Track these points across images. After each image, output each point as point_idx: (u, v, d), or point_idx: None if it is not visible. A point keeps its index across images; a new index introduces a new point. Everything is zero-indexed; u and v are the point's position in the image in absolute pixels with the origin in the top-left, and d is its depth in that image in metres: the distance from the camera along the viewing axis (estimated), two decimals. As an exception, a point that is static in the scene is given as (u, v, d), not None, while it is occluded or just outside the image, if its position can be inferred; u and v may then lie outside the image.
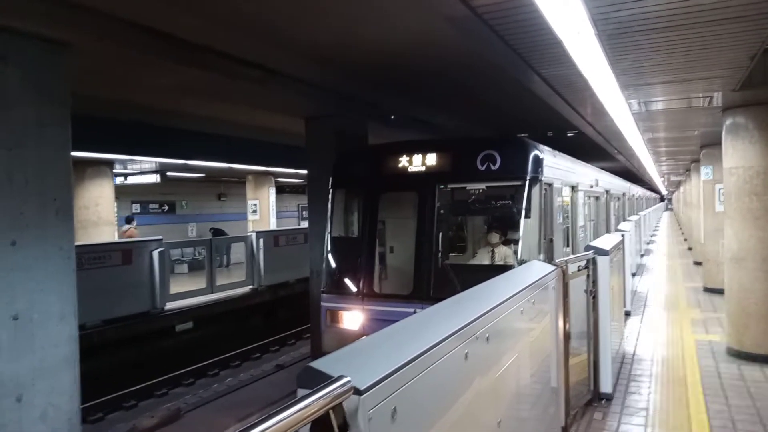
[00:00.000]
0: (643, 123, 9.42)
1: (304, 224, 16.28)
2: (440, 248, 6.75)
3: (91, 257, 10.43)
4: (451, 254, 7.86)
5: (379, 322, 6.21)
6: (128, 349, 11.08)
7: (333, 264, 7.49)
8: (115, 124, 11.34)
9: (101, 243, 12.53)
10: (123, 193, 19.80)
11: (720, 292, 9.09)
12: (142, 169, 17.21)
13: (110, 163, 15.14)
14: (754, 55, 4.86)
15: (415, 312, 2.97)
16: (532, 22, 3.75)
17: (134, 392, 9.88)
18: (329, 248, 7.53)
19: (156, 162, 15.69)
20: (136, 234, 16.22)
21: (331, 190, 7.65)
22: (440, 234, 6.80)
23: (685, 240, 24.79)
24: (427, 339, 2.15)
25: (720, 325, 8.54)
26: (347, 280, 7.22)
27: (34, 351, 4.65)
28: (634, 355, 7.19)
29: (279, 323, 14.52)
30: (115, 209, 16.59)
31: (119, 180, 17.35)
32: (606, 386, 5.59)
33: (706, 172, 12.05)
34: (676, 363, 6.81)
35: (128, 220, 16.98)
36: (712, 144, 11.61)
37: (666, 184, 40.07)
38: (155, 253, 11.74)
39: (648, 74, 5.63)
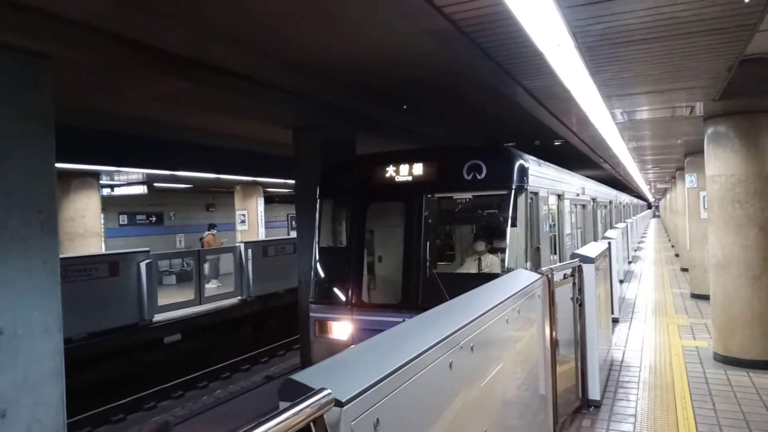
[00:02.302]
0: (627, 132, 9.54)
1: (294, 234, 16.29)
2: (428, 257, 6.77)
3: (77, 269, 10.34)
4: (439, 263, 7.89)
5: (368, 332, 6.21)
6: (116, 362, 10.97)
7: (321, 274, 7.49)
8: (101, 135, 11.30)
9: (87, 255, 12.44)
10: (110, 204, 19.69)
11: (707, 298, 9.17)
12: (129, 180, 17.13)
13: (96, 175, 15.06)
14: (731, 66, 4.95)
15: (403, 321, 2.98)
16: (513, 35, 3.81)
17: (122, 406, 9.78)
18: (317, 258, 7.53)
19: (143, 173, 15.63)
20: (213, 241, 18.69)
21: (318, 200, 7.66)
22: (428, 243, 6.82)
23: (672, 246, 24.99)
24: (410, 349, 2.15)
25: (707, 330, 8.61)
26: (336, 290, 7.22)
27: (19, 366, 4.61)
28: (622, 361, 7.23)
29: (268, 334, 14.45)
30: (102, 221, 16.50)
31: (106, 191, 17.26)
32: (594, 393, 5.61)
33: (690, 179, 12.20)
34: (664, 369, 6.86)
35: (210, 227, 19.44)
36: (695, 152, 11.75)
37: (653, 191, 40.44)
38: (143, 265, 11.66)
39: (629, 85, 5.72)
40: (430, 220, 7.01)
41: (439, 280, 6.53)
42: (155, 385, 10.56)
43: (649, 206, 67.86)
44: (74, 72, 6.34)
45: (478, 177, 6.52)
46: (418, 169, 6.92)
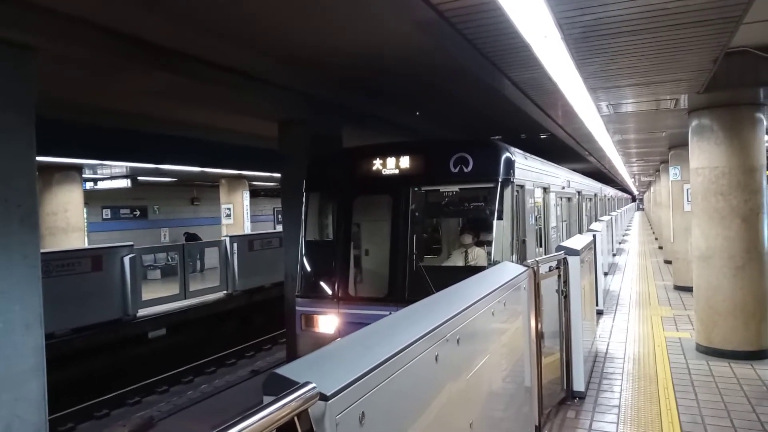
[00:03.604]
0: (613, 125, 9.58)
1: (280, 228, 16.22)
2: (415, 250, 6.76)
3: (60, 264, 10.20)
4: (426, 256, 7.88)
5: (355, 326, 6.18)
6: (99, 358, 10.86)
7: (308, 268, 7.45)
8: (83, 128, 11.14)
9: (70, 249, 12.27)
10: (93, 198, 19.45)
11: (689, 289, 9.27)
12: (112, 174, 16.93)
13: (79, 168, 14.87)
14: (716, 58, 4.98)
15: (390, 314, 2.97)
16: (500, 26, 3.79)
17: (106, 401, 9.70)
18: (304, 252, 7.48)
19: (127, 166, 15.45)
20: None
21: (305, 194, 7.61)
22: (415, 236, 6.81)
23: (656, 239, 25.26)
24: (396, 342, 2.14)
25: (690, 322, 8.71)
26: (322, 284, 7.18)
27: (-1, 361, 4.54)
28: (606, 353, 7.29)
29: (254, 328, 14.39)
30: (85, 215, 16.30)
31: (89, 185, 17.05)
32: (579, 385, 5.65)
33: (674, 172, 12.30)
34: (648, 360, 6.93)
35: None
36: (679, 145, 11.86)
37: (637, 184, 40.80)
38: (126, 259, 11.54)
39: (615, 77, 5.73)
40: (416, 213, 6.99)
41: (426, 273, 6.52)
42: (139, 380, 10.47)
43: (634, 199, 68.52)
44: (57, 63, 6.22)
45: (465, 170, 6.51)
46: (405, 162, 6.90)
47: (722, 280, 6.93)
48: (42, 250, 5.18)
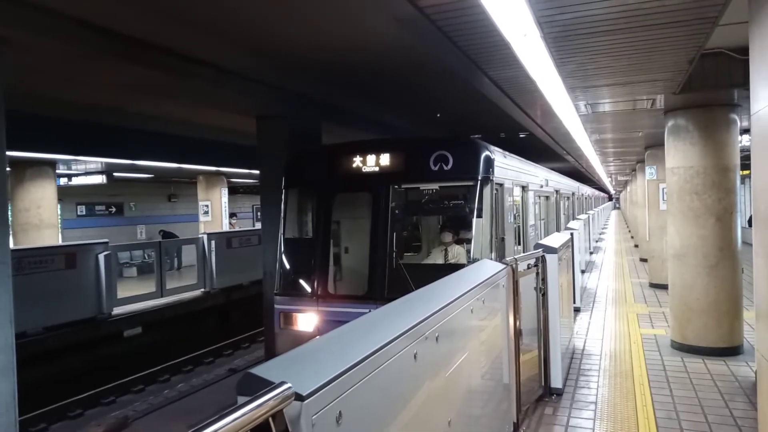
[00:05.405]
0: (590, 125, 9.68)
1: (259, 226, 16.06)
2: (395, 248, 6.74)
3: (32, 261, 9.98)
4: (406, 254, 7.87)
5: (334, 324, 6.13)
6: (73, 357, 10.66)
7: (286, 265, 7.39)
8: (57, 122, 10.89)
9: (43, 246, 12.02)
10: (67, 194, 19.08)
11: (665, 287, 9.42)
12: (87, 170, 16.61)
13: (53, 164, 14.56)
14: (692, 59, 5.04)
15: (369, 312, 2.95)
16: (480, 23, 3.78)
17: (80, 401, 9.51)
18: (282, 249, 7.43)
19: (102, 162, 15.17)
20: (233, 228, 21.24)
21: (284, 191, 7.55)
22: (394, 234, 6.80)
23: (632, 237, 25.62)
24: (374, 341, 2.12)
25: (665, 319, 8.84)
26: (301, 282, 7.14)
27: (-34, 361, 4.42)
28: (583, 350, 7.36)
29: (233, 326, 14.26)
30: (59, 211, 15.99)
31: (63, 181, 16.71)
32: (556, 381, 5.70)
33: (650, 172, 12.49)
34: (624, 357, 7.01)
35: (231, 216, 22.00)
36: (655, 145, 12.04)
37: (614, 183, 41.35)
38: (101, 257, 11.34)
39: (593, 76, 5.78)
40: (396, 211, 6.98)
41: (406, 270, 6.51)
42: (115, 379, 10.30)
43: (610, 198, 69.45)
44: (30, 56, 6.07)
45: (445, 168, 6.52)
46: (385, 159, 6.88)
47: (696, 278, 7.04)
48: (13, 247, 5.05)
